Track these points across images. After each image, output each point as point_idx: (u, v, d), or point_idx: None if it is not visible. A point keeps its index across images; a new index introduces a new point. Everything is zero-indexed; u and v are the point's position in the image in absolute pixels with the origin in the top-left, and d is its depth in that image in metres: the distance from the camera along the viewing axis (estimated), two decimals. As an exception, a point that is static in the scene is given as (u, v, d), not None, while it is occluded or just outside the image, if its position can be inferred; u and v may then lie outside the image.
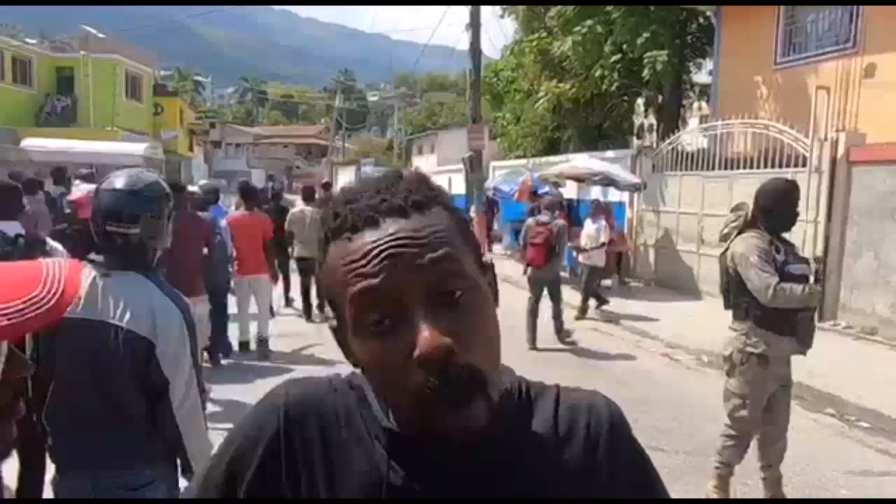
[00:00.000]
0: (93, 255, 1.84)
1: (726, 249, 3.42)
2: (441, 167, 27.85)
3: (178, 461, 1.85)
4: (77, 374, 1.74)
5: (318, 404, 0.74)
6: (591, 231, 8.80)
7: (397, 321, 0.63)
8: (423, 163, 35.07)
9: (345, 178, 25.84)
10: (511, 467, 0.71)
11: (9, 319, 0.54)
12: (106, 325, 1.72)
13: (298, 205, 8.35)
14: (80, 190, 6.79)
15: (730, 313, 3.52)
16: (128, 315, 1.73)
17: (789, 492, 3.53)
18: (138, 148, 16.17)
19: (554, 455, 0.73)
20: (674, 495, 0.82)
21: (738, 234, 3.37)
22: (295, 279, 8.73)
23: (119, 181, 1.89)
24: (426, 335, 0.61)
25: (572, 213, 12.50)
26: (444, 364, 0.61)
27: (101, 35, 26.46)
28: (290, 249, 8.23)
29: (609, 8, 12.61)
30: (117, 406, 1.77)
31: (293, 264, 8.54)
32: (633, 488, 0.76)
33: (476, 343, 0.64)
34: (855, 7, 9.10)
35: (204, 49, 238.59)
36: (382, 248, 0.63)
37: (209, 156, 42.40)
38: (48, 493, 1.91)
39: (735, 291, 3.40)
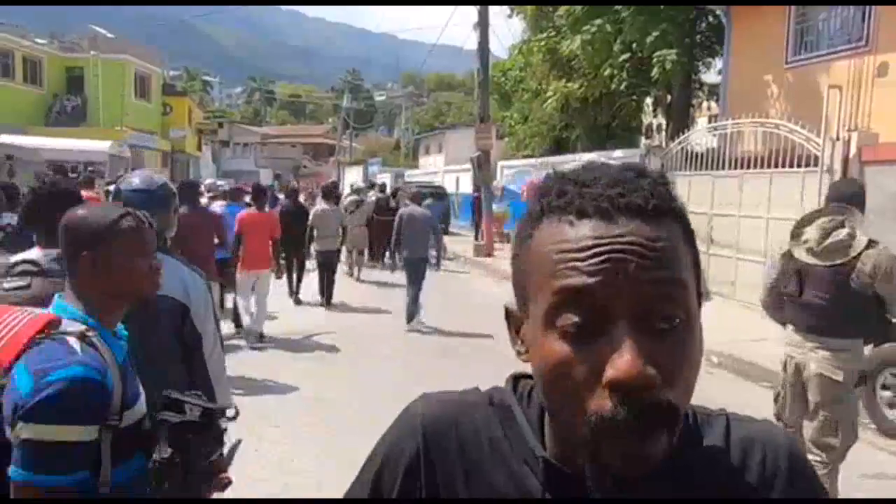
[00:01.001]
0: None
1: (850, 260, 3.06)
2: (449, 167, 27.84)
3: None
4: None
5: (457, 422, 0.69)
6: None
7: (597, 330, 0.55)
8: (431, 162, 35.09)
9: (352, 178, 25.90)
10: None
11: None
12: None
13: (319, 203, 9.41)
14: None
15: (750, 319, 3.40)
16: (165, 285, 1.96)
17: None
18: (103, 145, 16.17)
19: (722, 493, 0.65)
20: None
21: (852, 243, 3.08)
22: (306, 276, 9.30)
23: (138, 180, 2.34)
24: (628, 358, 0.53)
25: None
26: (639, 394, 0.53)
27: (110, 35, 26.64)
28: (310, 246, 8.98)
29: (618, 7, 12.56)
30: (157, 363, 1.93)
31: (309, 263, 9.28)
32: None
33: (679, 381, 0.56)
34: (868, 6, 9.01)
35: (212, 49, 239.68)
36: (609, 247, 0.56)
37: (217, 155, 42.56)
38: None
39: (854, 306, 3.09)
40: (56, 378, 1.19)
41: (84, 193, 5.51)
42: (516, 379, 0.73)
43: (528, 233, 0.62)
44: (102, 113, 23.90)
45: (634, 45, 12.53)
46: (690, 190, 10.32)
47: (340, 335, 7.35)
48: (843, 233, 3.10)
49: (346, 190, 16.14)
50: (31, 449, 1.17)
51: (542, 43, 15.42)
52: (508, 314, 0.67)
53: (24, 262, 1.95)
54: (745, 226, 9.03)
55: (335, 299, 9.19)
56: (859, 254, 3.05)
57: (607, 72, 13.32)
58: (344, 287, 9.90)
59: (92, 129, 23.67)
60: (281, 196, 12.54)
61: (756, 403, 5.08)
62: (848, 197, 3.27)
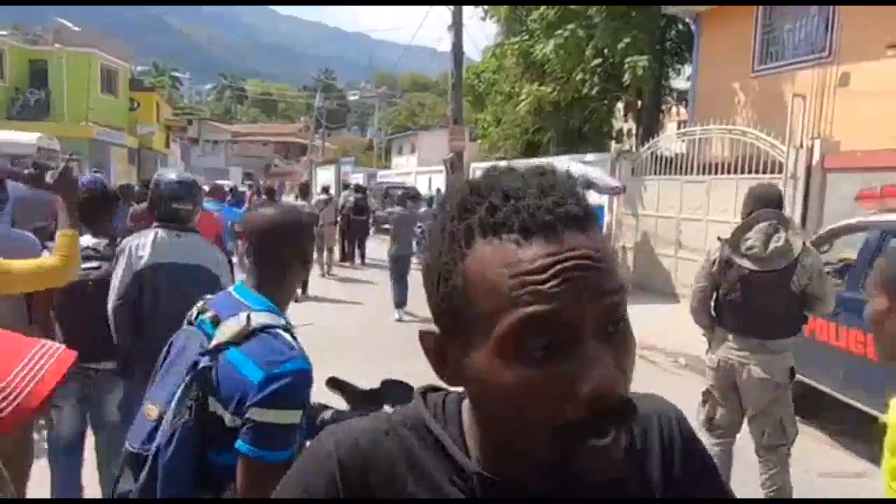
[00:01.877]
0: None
1: (791, 263, 3.14)
2: (421, 168, 27.83)
3: None
4: (173, 303, 2.18)
5: (373, 451, 0.64)
6: None
7: (564, 350, 0.55)
8: (404, 163, 35.03)
9: (324, 178, 25.74)
10: (611, 496, 0.65)
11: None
12: (189, 266, 2.65)
13: (295, 200, 10.02)
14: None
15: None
16: (200, 258, 2.69)
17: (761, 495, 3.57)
18: (31, 137, 15.78)
19: (640, 473, 0.68)
20: None
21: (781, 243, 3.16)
22: None
23: (175, 175, 2.86)
24: (605, 370, 0.54)
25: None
26: (612, 403, 0.54)
27: (75, 28, 25.99)
28: None
29: (590, 12, 12.72)
30: None
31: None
32: (708, 491, 0.72)
33: (629, 377, 0.58)
34: (830, 16, 9.27)
35: (182, 45, 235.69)
36: (566, 264, 0.54)
37: (186, 153, 41.86)
38: None
39: (793, 308, 3.21)
40: (286, 370, 1.38)
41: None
42: (424, 394, 0.70)
43: (454, 256, 0.58)
44: (67, 107, 23.29)
45: (606, 51, 12.70)
46: (660, 194, 10.49)
47: (317, 328, 7.31)
48: (782, 238, 3.16)
49: (318, 189, 16.07)
50: (266, 430, 1.35)
51: (516, 46, 15.53)
52: (427, 339, 0.63)
53: (86, 248, 2.61)
54: (712, 230, 9.21)
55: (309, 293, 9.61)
56: (798, 257, 3.15)
57: (579, 76, 13.47)
58: (317, 283, 10.30)
59: (56, 123, 23.06)
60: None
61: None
62: (777, 201, 3.34)
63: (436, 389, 0.70)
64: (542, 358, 0.55)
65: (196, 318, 1.55)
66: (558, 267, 0.54)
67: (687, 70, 13.88)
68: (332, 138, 57.34)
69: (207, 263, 2.67)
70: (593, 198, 11.73)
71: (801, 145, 8.28)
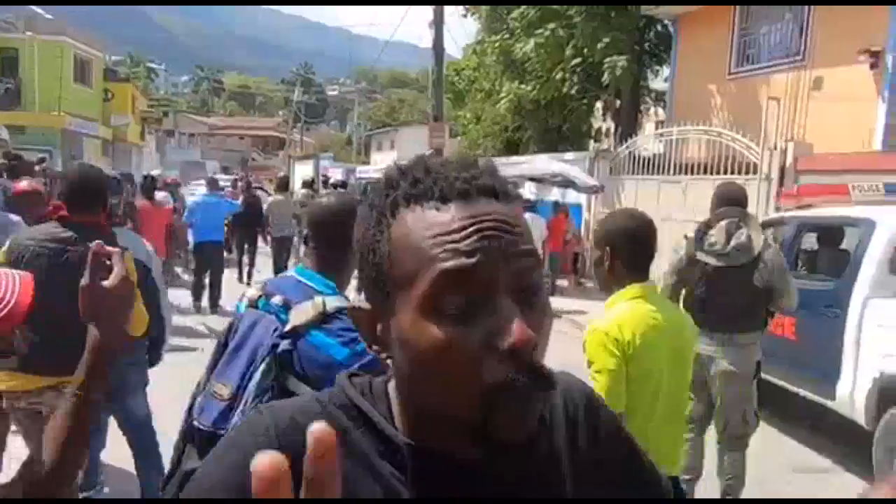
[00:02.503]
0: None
1: (752, 259, 3.25)
2: (401, 164, 27.70)
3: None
4: None
5: (306, 429, 0.64)
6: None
7: (481, 307, 0.57)
8: (383, 159, 34.92)
9: (302, 172, 25.55)
10: (521, 471, 0.67)
11: None
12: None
13: (275, 195, 10.25)
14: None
15: None
16: (133, 251, 2.60)
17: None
18: None
19: (548, 449, 0.71)
20: None
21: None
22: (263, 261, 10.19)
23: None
24: (520, 326, 0.56)
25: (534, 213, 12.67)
26: (528, 358, 0.57)
27: (48, 16, 25.42)
28: (265, 233, 9.88)
29: (571, 12, 12.79)
30: None
31: (264, 247, 10.28)
32: (618, 460, 0.76)
33: (545, 344, 0.61)
34: (804, 21, 9.45)
35: (158, 36, 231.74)
36: (483, 226, 0.58)
37: (161, 145, 41.22)
38: None
39: (757, 303, 3.31)
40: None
41: (27, 182, 5.21)
42: (349, 378, 0.71)
43: (381, 227, 0.62)
44: (39, 97, 22.80)
45: (586, 51, 12.80)
46: (637, 194, 10.60)
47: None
48: (743, 234, 3.27)
49: (297, 184, 15.96)
50: None
51: (496, 44, 15.56)
52: (356, 314, 0.66)
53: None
54: (689, 230, 9.32)
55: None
56: (759, 253, 3.26)
57: (559, 75, 13.55)
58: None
59: (27, 113, 22.56)
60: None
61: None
62: (738, 199, 3.47)
63: (358, 376, 0.72)
64: (459, 315, 0.57)
65: (259, 301, 1.64)
66: (474, 227, 0.58)
67: (665, 71, 14.05)
68: (311, 133, 56.91)
69: (139, 255, 2.83)
70: (572, 196, 11.83)
71: (775, 147, 8.43)
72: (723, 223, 3.33)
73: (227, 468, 0.62)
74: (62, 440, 0.85)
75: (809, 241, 5.23)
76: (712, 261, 3.32)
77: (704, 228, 3.38)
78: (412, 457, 0.63)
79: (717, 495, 3.49)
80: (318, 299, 1.54)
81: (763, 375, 4.68)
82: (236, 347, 1.61)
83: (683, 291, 3.49)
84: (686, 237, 3.55)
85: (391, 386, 0.69)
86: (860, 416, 4.06)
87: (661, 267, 5.26)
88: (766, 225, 5.31)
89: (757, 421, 3.44)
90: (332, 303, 1.55)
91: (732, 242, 3.27)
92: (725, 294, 3.31)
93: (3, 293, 0.67)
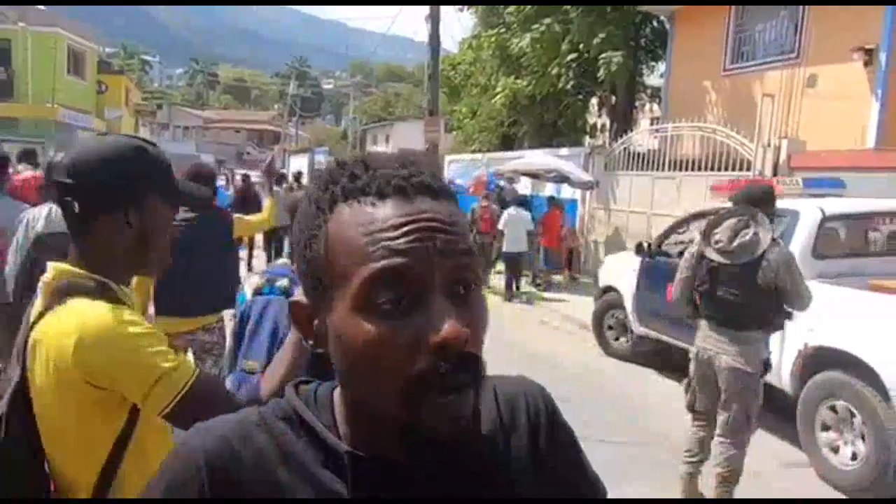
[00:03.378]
0: None
1: (757, 259, 3.28)
2: (396, 158, 27.65)
3: None
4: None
5: (244, 447, 0.64)
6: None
7: (414, 304, 0.58)
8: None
9: (297, 166, 25.49)
10: (471, 472, 0.68)
11: None
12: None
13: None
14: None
15: None
16: None
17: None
18: None
19: (505, 451, 0.72)
20: (620, 488, 0.84)
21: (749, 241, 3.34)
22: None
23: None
24: (451, 322, 0.57)
25: (526, 207, 12.69)
26: (458, 353, 0.58)
27: (41, 7, 25.23)
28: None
29: (567, 7, 12.79)
30: None
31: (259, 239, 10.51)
32: (571, 467, 0.78)
33: (479, 337, 0.62)
34: (799, 19, 9.48)
35: (152, 28, 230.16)
36: (417, 224, 0.59)
37: (156, 138, 41.04)
38: None
39: (762, 302, 3.32)
40: None
41: (30, 173, 5.19)
42: (296, 387, 0.71)
43: (318, 222, 0.62)
44: (31, 89, 22.65)
45: (581, 46, 12.80)
46: (632, 189, 10.64)
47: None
48: (749, 233, 3.32)
49: (291, 178, 16.00)
50: None
51: (492, 39, 15.54)
52: (296, 308, 0.67)
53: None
54: (692, 228, 9.39)
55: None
56: (764, 252, 3.28)
57: (555, 70, 13.55)
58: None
59: (20, 105, 22.42)
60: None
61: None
62: (757, 198, 3.49)
63: (307, 383, 0.72)
64: (392, 311, 0.58)
65: (264, 289, 1.80)
66: (409, 227, 0.58)
67: (661, 67, 14.07)
68: (306, 127, 56.78)
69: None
70: (567, 192, 11.87)
71: (769, 144, 8.48)
72: (731, 221, 3.38)
73: (161, 495, 0.64)
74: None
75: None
76: (716, 257, 3.39)
77: (712, 225, 3.44)
78: (352, 464, 0.63)
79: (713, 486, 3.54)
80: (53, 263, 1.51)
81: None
82: (254, 331, 1.73)
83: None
84: (700, 233, 3.61)
85: (336, 393, 0.69)
86: (787, 385, 4.47)
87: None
88: (698, 216, 5.91)
89: (755, 422, 3.49)
90: None
91: (737, 241, 3.32)
92: (727, 291, 3.36)
93: None
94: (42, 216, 3.14)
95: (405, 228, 0.58)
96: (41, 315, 1.17)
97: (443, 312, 0.57)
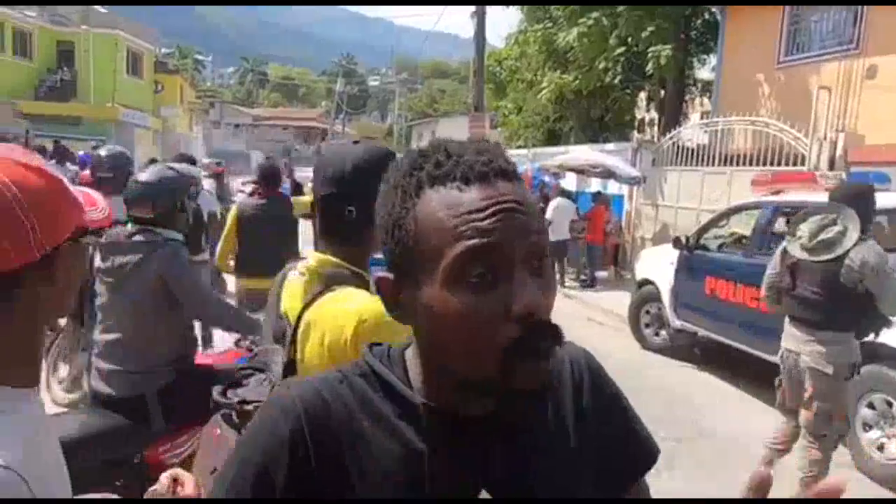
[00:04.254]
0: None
1: (840, 257, 3.19)
2: (441, 155, 27.81)
3: None
4: None
5: (333, 399, 0.72)
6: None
7: (499, 278, 0.65)
8: (423, 150, 35.03)
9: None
10: (531, 427, 0.76)
11: (103, 215, 0.97)
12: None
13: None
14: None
15: None
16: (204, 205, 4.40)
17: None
18: None
19: (556, 410, 0.80)
20: (660, 482, 0.90)
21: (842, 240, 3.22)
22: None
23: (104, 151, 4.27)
24: (532, 293, 0.64)
25: (574, 201, 12.66)
26: (540, 320, 0.65)
27: (102, 10, 26.28)
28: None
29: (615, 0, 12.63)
30: None
31: None
32: (617, 424, 0.85)
33: (550, 305, 0.69)
34: (858, 8, 9.15)
35: (203, 28, 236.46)
36: (500, 206, 0.65)
37: (208, 135, 42.25)
38: None
39: (844, 300, 3.20)
40: None
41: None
42: (370, 348, 0.79)
43: (407, 206, 0.68)
44: (94, 88, 23.66)
45: (630, 40, 12.62)
46: (680, 185, 10.46)
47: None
48: (834, 230, 3.21)
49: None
50: None
51: (539, 33, 15.46)
52: (383, 283, 0.72)
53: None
54: (732, 223, 9.20)
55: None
56: (849, 250, 3.16)
57: (602, 65, 13.40)
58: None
59: (82, 104, 23.43)
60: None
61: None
62: (852, 196, 3.36)
63: (379, 345, 0.80)
64: (480, 284, 0.64)
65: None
66: (494, 208, 0.65)
67: (711, 60, 13.76)
68: (353, 124, 57.47)
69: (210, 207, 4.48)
70: (613, 187, 11.75)
71: (825, 138, 8.23)
72: (816, 217, 3.30)
73: (264, 442, 0.70)
74: None
75: (781, 224, 5.62)
76: (798, 253, 3.33)
77: (798, 220, 3.38)
78: (428, 415, 0.71)
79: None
80: (310, 251, 1.67)
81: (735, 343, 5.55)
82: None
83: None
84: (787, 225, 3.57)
85: (408, 352, 0.77)
86: None
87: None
88: (737, 210, 6.14)
89: (847, 426, 3.46)
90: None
91: (820, 237, 3.23)
92: (808, 288, 3.30)
93: (101, 204, 1.00)
94: None
95: (490, 210, 0.65)
96: (312, 299, 1.29)
97: (524, 284, 0.65)
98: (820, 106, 9.13)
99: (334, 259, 1.36)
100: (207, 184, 8.91)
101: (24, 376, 0.82)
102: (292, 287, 1.41)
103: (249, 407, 1.35)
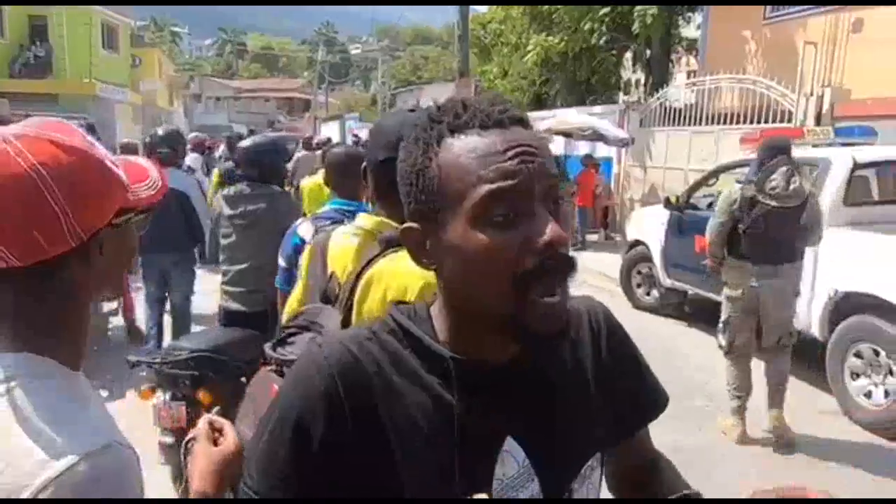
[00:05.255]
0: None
1: (803, 202, 3.82)
2: (427, 122, 27.50)
3: None
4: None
5: (364, 355, 0.74)
6: None
7: (521, 216, 0.68)
8: (408, 118, 34.65)
9: (328, 133, 25.61)
10: (552, 377, 0.79)
11: (153, 190, 0.85)
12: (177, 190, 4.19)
13: (302, 151, 10.47)
14: None
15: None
16: (178, 185, 4.24)
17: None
18: None
19: (574, 359, 0.83)
20: (658, 436, 0.96)
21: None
22: None
23: (161, 131, 4.94)
24: (554, 227, 0.68)
25: (559, 167, 12.66)
26: (562, 252, 0.69)
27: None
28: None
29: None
30: None
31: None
32: (631, 374, 0.91)
33: (568, 241, 0.72)
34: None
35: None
36: (522, 148, 0.69)
37: (189, 109, 41.57)
38: None
39: (799, 238, 3.93)
40: None
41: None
42: (396, 306, 0.82)
43: (429, 154, 0.71)
44: (69, 64, 23.09)
45: (615, -1, 12.47)
46: (668, 145, 10.48)
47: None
48: (797, 181, 3.77)
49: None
50: None
51: (523, -5, 15.23)
52: (408, 233, 0.75)
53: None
54: (721, 181, 9.24)
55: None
56: (807, 197, 3.81)
57: (587, 26, 13.26)
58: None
59: (59, 81, 22.89)
60: None
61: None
62: (788, 149, 3.90)
63: (405, 303, 0.84)
64: (504, 222, 0.68)
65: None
66: (515, 150, 0.69)
67: (697, 18, 13.63)
68: (336, 94, 56.65)
69: (181, 186, 4.28)
70: (602, 150, 11.74)
71: (811, 94, 8.24)
72: (782, 169, 3.77)
73: (299, 398, 0.73)
74: None
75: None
76: (773, 203, 3.76)
77: (766, 174, 3.80)
78: (456, 368, 0.73)
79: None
80: (362, 214, 1.71)
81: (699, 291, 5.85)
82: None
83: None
84: (738, 182, 4.13)
85: (433, 309, 0.79)
86: (816, 330, 4.67)
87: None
88: (725, 169, 6.20)
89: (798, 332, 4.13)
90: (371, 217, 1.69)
91: (791, 187, 3.75)
92: (780, 231, 3.81)
93: (154, 175, 0.88)
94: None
95: (510, 153, 0.69)
96: (371, 259, 1.31)
97: (546, 220, 0.69)
98: (806, 62, 9.12)
99: (390, 222, 1.39)
100: (191, 159, 8.77)
101: (69, 353, 0.80)
102: (342, 247, 1.45)
103: None
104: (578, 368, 0.83)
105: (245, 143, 3.62)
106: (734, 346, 4.00)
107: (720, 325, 4.12)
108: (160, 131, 4.84)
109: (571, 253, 0.72)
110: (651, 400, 0.93)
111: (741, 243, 3.90)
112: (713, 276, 4.28)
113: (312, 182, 5.11)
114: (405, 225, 0.76)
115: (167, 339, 4.43)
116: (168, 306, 4.68)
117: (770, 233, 3.79)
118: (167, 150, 4.56)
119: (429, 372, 0.74)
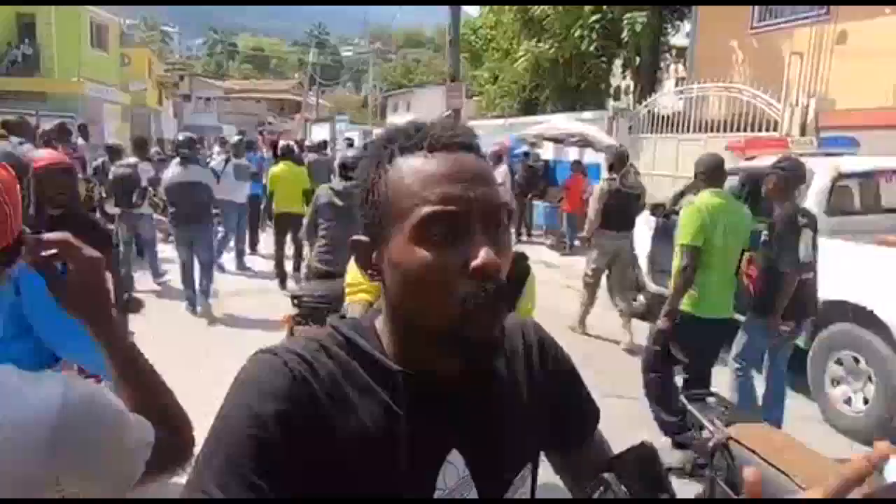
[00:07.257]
0: None
1: (642, 191, 6.08)
2: (417, 126, 27.49)
3: None
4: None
5: (315, 362, 0.75)
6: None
7: (459, 236, 0.71)
8: (399, 121, 34.70)
9: (319, 136, 25.54)
10: (492, 390, 0.83)
11: None
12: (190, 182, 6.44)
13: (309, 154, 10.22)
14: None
15: None
16: (199, 177, 6.64)
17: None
18: None
19: (510, 372, 0.87)
20: (631, 440, 0.96)
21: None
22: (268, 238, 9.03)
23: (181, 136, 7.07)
24: (487, 251, 0.71)
25: (549, 173, 12.74)
26: (492, 277, 0.71)
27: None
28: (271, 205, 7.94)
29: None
30: None
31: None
32: (566, 383, 0.95)
33: (506, 268, 0.75)
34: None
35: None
36: (461, 174, 0.73)
37: (179, 110, 41.32)
38: None
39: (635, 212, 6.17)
40: None
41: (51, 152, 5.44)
42: (339, 319, 0.84)
43: (379, 173, 0.75)
44: (57, 63, 22.90)
45: (605, 7, 12.58)
46: (656, 153, 10.57)
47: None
48: (631, 174, 5.87)
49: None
50: None
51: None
52: (357, 245, 0.79)
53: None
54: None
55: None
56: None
57: (577, 33, 13.37)
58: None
59: (47, 80, 22.71)
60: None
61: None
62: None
63: (344, 318, 0.87)
64: (442, 242, 0.71)
65: None
66: (460, 173, 0.72)
67: (686, 27, 13.78)
68: (327, 95, 56.53)
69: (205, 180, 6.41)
70: (590, 156, 11.81)
71: (797, 103, 8.35)
72: (632, 170, 5.94)
73: (254, 404, 0.70)
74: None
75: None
76: (628, 191, 6.12)
77: (629, 175, 6.07)
78: (404, 382, 0.76)
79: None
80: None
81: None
82: None
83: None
84: (604, 180, 6.17)
85: (378, 323, 0.82)
86: (800, 338, 4.56)
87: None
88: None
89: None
90: None
91: (630, 180, 6.10)
92: (626, 209, 6.03)
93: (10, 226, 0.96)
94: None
95: (455, 175, 0.73)
96: None
97: (481, 244, 0.71)
98: (792, 71, 9.25)
99: None
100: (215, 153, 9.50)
101: None
102: None
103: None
104: (513, 382, 0.87)
105: (353, 152, 5.28)
106: (595, 270, 6.24)
107: (591, 271, 6.30)
108: (181, 136, 6.64)
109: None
110: (587, 411, 0.98)
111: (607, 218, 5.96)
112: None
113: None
114: (355, 237, 0.79)
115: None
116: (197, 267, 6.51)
117: (621, 210, 5.88)
118: (187, 150, 6.31)
119: (378, 384, 0.76)
